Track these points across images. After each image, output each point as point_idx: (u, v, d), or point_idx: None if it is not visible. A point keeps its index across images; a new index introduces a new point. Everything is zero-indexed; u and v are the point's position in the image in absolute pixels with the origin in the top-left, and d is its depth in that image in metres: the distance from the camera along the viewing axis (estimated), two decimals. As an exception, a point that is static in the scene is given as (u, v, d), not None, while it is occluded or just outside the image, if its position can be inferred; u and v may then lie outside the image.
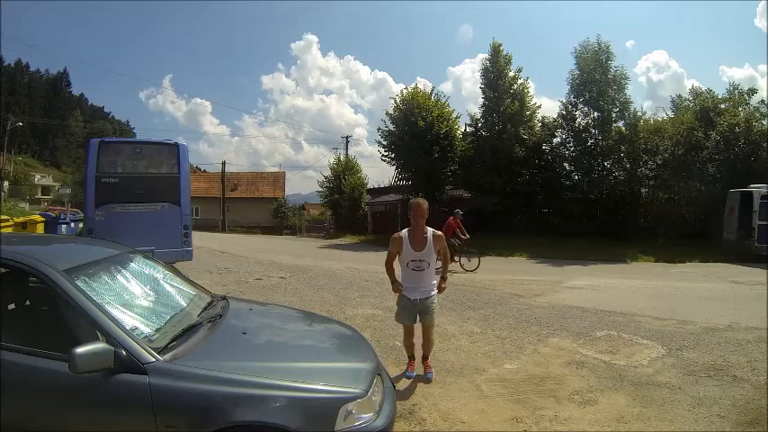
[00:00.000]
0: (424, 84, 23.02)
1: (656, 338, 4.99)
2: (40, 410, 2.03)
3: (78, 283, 2.18)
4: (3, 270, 2.60)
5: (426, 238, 3.65)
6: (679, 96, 19.91)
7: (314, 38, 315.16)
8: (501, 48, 18.81)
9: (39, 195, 50.27)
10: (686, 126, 16.31)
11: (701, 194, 15.77)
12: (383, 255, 3.57)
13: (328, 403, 2.04)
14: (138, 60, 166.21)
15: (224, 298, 3.11)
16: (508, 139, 17.82)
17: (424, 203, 3.69)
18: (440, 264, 3.95)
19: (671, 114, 18.66)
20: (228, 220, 33.83)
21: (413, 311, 3.74)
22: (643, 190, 17.45)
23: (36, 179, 56.85)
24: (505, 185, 18.11)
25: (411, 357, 3.97)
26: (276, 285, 8.47)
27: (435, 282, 3.78)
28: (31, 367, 2.00)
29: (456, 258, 10.44)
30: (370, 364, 2.47)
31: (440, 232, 3.76)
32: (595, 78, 16.88)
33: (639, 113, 17.35)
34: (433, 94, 19.75)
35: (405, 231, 3.72)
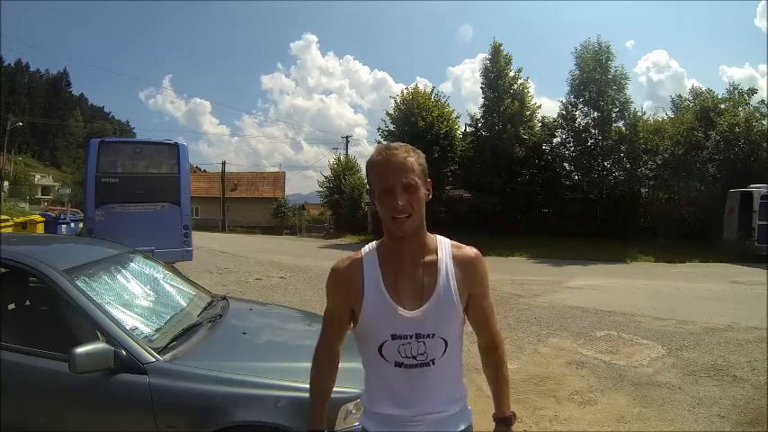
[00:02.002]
0: (424, 84, 23.06)
1: (656, 338, 5.00)
2: (40, 410, 2.03)
3: (78, 283, 2.18)
4: (3, 270, 2.60)
5: (437, 264, 1.22)
6: (679, 96, 19.95)
7: (313, 37, 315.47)
8: (501, 48, 18.83)
9: (39, 195, 50.23)
10: (686, 126, 16.32)
11: (701, 194, 15.78)
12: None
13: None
14: (138, 60, 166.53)
15: (224, 298, 3.11)
16: (508, 139, 17.83)
17: (410, 153, 1.19)
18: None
19: (671, 114, 18.69)
20: (228, 220, 33.81)
21: None
22: (643, 190, 17.48)
23: (36, 179, 56.82)
24: (505, 185, 18.11)
25: None
26: (276, 285, 8.47)
27: (463, 399, 1.30)
28: (31, 367, 2.00)
29: None
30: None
31: (473, 249, 1.27)
32: (595, 78, 16.90)
33: (639, 113, 17.39)
34: (433, 94, 19.80)
35: (368, 249, 1.27)
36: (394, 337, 1.17)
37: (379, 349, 1.19)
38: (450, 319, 1.20)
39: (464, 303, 1.22)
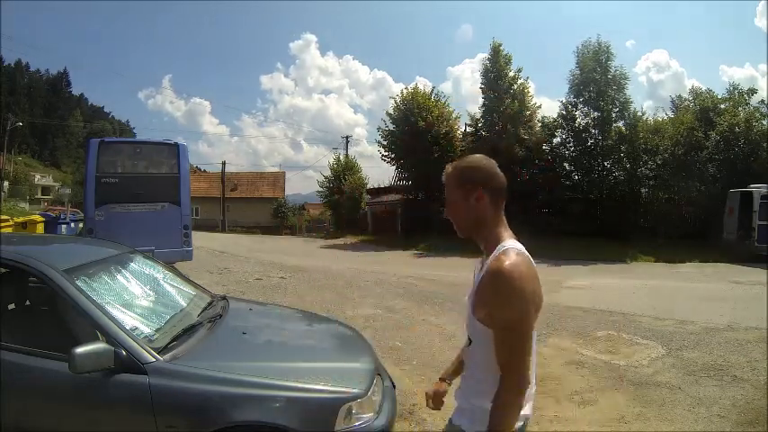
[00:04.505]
0: (423, 83, 23.07)
1: (656, 338, 5.00)
2: (40, 410, 2.03)
3: (78, 283, 2.18)
4: (3, 270, 2.60)
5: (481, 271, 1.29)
6: (679, 96, 19.97)
7: (313, 37, 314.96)
8: (501, 48, 18.82)
9: (39, 195, 50.21)
10: (686, 126, 16.31)
11: (701, 194, 15.76)
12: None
13: (328, 403, 2.04)
14: (138, 60, 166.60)
15: (224, 298, 3.11)
16: (508, 139, 17.82)
17: (449, 168, 1.41)
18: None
19: (671, 114, 18.68)
20: (228, 220, 33.81)
21: None
22: (643, 190, 17.44)
23: (36, 179, 56.77)
24: (505, 185, 18.09)
25: None
26: (276, 285, 8.46)
27: (487, 400, 1.18)
28: (31, 367, 2.00)
29: None
30: (370, 363, 2.46)
31: (498, 263, 1.18)
32: (595, 78, 16.88)
33: (639, 113, 17.37)
34: (433, 94, 19.81)
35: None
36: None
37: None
38: (471, 323, 1.27)
39: (479, 316, 1.22)
